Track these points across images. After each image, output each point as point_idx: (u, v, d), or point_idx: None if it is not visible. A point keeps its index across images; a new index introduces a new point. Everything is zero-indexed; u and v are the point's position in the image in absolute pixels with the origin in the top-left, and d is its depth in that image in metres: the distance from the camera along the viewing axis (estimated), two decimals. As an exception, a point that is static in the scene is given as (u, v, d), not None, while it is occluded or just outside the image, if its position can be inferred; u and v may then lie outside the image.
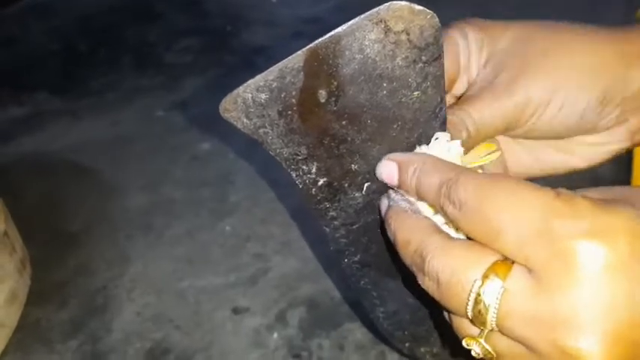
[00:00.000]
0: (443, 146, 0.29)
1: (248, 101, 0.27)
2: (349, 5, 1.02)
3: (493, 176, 0.25)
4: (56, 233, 0.60)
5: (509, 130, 0.32)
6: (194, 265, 0.55)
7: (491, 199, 0.23)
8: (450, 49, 0.32)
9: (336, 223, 0.31)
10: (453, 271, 0.24)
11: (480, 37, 0.33)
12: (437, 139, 0.29)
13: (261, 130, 0.27)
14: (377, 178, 0.30)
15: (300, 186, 0.29)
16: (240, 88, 0.26)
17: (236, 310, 0.51)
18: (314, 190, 0.30)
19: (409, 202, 0.28)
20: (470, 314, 0.24)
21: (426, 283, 0.25)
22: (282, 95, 0.27)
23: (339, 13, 1.00)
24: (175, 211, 0.62)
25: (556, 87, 0.31)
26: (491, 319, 0.23)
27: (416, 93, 0.27)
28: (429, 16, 0.25)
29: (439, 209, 0.26)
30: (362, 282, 0.34)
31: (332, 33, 0.25)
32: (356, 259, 0.33)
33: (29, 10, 1.05)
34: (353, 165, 0.29)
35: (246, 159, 0.67)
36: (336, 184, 0.30)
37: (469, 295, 0.23)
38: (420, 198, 0.27)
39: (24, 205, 0.59)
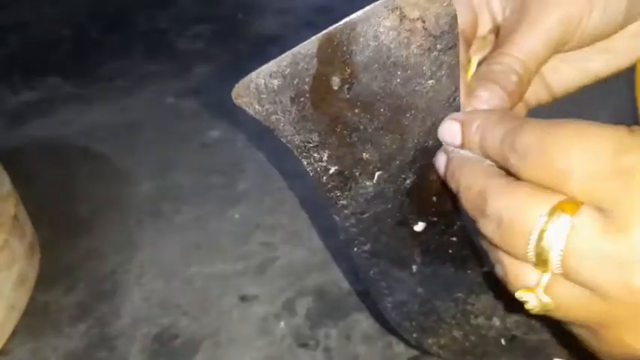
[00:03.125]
0: None
1: (260, 87, 0.26)
2: (361, -5, 1.02)
3: (558, 121, 0.23)
4: (65, 217, 0.60)
5: (556, 52, 0.31)
6: (202, 251, 0.55)
7: (558, 141, 0.22)
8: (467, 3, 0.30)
9: (346, 212, 0.31)
10: (518, 209, 0.23)
11: None
12: None
13: (273, 117, 0.27)
14: (388, 167, 0.29)
15: (311, 174, 0.29)
16: (253, 74, 0.26)
17: (244, 298, 0.51)
18: (325, 178, 0.29)
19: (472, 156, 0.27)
20: (532, 255, 0.23)
21: (486, 227, 0.24)
22: (295, 82, 0.26)
23: (350, 2, 1.00)
24: (184, 197, 0.62)
25: None
26: (556, 258, 0.22)
27: (430, 81, 0.27)
28: (445, 4, 0.25)
29: (503, 162, 0.25)
30: (371, 272, 0.33)
31: (347, 19, 0.25)
32: (365, 248, 0.32)
33: (40, -5, 1.05)
34: (364, 153, 0.29)
35: (256, 147, 0.67)
36: (347, 172, 0.29)
37: (532, 231, 0.22)
38: (485, 154, 0.26)
39: (34, 189, 0.59)
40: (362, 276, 0.34)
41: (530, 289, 0.23)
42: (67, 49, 0.91)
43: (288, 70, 0.26)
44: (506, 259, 0.24)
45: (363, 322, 0.47)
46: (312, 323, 0.48)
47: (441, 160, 0.28)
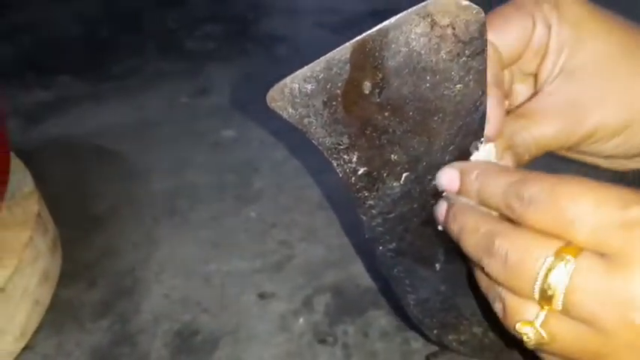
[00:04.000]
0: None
1: (295, 91, 0.27)
2: (370, -5, 1.02)
3: (562, 175, 0.25)
4: (83, 215, 0.61)
5: (561, 148, 0.32)
6: (220, 249, 0.56)
7: (565, 192, 0.24)
8: (521, 24, 0.31)
9: (373, 211, 0.32)
10: (525, 249, 0.25)
11: (566, 36, 0.30)
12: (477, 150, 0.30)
13: (305, 120, 0.28)
14: (415, 169, 0.30)
15: (340, 175, 0.30)
16: (288, 79, 0.27)
17: (262, 295, 0.52)
18: (353, 179, 0.30)
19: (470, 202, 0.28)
20: (537, 291, 0.24)
21: (492, 266, 0.26)
22: (328, 86, 0.27)
23: (358, 3, 1.01)
24: (200, 196, 0.63)
25: (630, 120, 0.30)
26: (559, 295, 0.24)
27: (458, 86, 0.28)
28: (474, 11, 0.26)
29: (503, 209, 0.26)
30: (395, 270, 0.34)
31: (380, 26, 0.26)
32: (391, 247, 0.33)
33: (52, -5, 1.06)
34: (393, 155, 0.30)
35: (270, 147, 0.68)
36: (375, 173, 0.30)
37: (539, 271, 0.24)
38: (482, 201, 0.28)
39: (51, 187, 0.60)
40: (386, 274, 0.35)
41: (529, 322, 0.25)
42: (79, 48, 0.92)
43: (322, 75, 0.27)
44: (508, 296, 0.26)
45: (381, 318, 0.48)
46: (331, 320, 0.49)
47: (442, 207, 0.30)
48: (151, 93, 0.80)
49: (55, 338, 0.48)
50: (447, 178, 0.30)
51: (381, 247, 0.33)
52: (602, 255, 0.23)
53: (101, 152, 0.70)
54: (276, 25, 0.95)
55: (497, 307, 0.27)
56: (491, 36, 0.30)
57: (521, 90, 0.33)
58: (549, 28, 0.30)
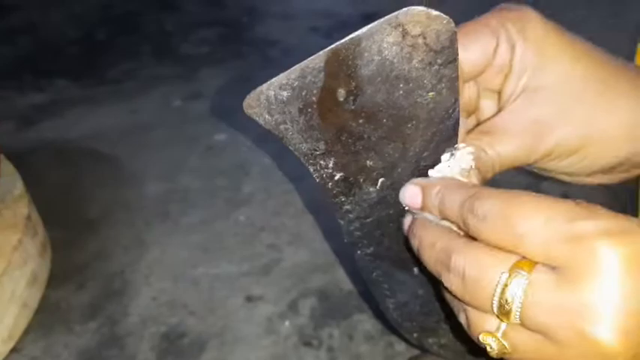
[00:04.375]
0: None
1: (270, 98, 0.28)
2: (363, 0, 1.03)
3: (514, 191, 0.26)
4: (75, 218, 0.62)
5: (524, 164, 0.33)
6: (209, 253, 0.57)
7: (515, 208, 0.25)
8: (484, 41, 0.31)
9: (350, 216, 0.32)
10: (480, 266, 0.25)
11: (529, 57, 0.31)
12: (451, 156, 0.30)
13: (281, 126, 0.29)
14: (391, 174, 0.31)
15: (317, 180, 0.31)
16: (264, 86, 0.28)
17: (249, 298, 0.52)
18: (330, 184, 0.31)
19: (432, 218, 0.29)
20: (495, 306, 0.25)
21: (451, 280, 0.27)
22: (303, 93, 0.28)
23: (351, 7, 1.02)
24: (191, 199, 0.63)
25: (590, 140, 0.31)
26: (516, 310, 0.24)
27: (431, 94, 0.28)
28: (445, 21, 0.26)
29: (461, 224, 0.27)
30: (374, 274, 0.35)
31: (352, 35, 0.26)
32: (369, 251, 0.34)
33: (49, -1, 1.07)
34: (368, 161, 0.30)
35: (261, 151, 0.69)
36: (351, 178, 0.31)
37: (496, 287, 0.25)
38: (443, 216, 0.29)
39: (43, 190, 0.61)
40: (365, 278, 0.35)
41: (491, 333, 0.26)
42: (75, 51, 0.93)
43: (297, 82, 0.27)
44: (469, 309, 0.27)
45: (366, 322, 0.49)
46: (316, 323, 0.49)
47: (406, 221, 0.31)
48: (146, 97, 0.81)
49: (42, 340, 0.49)
50: (409, 194, 0.30)
51: (359, 252, 0.34)
52: (553, 268, 0.24)
53: (95, 156, 0.71)
54: (271, 29, 0.95)
55: (462, 317, 0.28)
56: None
57: (488, 105, 0.34)
58: (513, 47, 0.31)
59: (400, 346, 0.46)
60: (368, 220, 0.32)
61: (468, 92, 0.33)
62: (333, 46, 0.27)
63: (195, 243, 0.58)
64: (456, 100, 0.29)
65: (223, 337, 0.49)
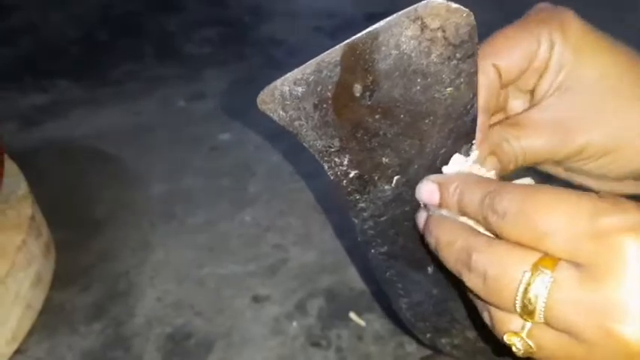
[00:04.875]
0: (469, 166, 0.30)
1: (285, 94, 0.27)
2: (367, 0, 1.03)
3: (535, 186, 0.26)
4: (79, 219, 0.61)
5: (551, 162, 0.33)
6: (214, 253, 0.56)
7: (536, 205, 0.24)
8: (526, 44, 0.31)
9: (364, 214, 0.32)
10: (501, 265, 0.25)
11: (567, 56, 0.31)
12: (467, 157, 0.30)
13: (296, 123, 0.28)
14: (406, 172, 0.30)
15: (332, 177, 0.30)
16: (278, 81, 0.27)
17: (256, 299, 0.51)
18: (345, 181, 0.30)
19: (448, 214, 0.29)
20: (518, 306, 0.25)
21: (472, 280, 0.26)
22: (319, 89, 0.27)
23: (355, 7, 1.01)
24: (196, 200, 0.63)
25: (623, 141, 0.31)
26: (540, 308, 0.24)
27: (449, 89, 0.28)
28: (464, 14, 0.26)
29: (481, 221, 0.27)
30: (388, 273, 0.34)
31: (370, 29, 0.26)
32: (383, 250, 0.33)
33: (51, -1, 1.07)
34: (384, 158, 0.30)
35: (266, 151, 0.68)
36: (366, 176, 0.30)
37: (518, 286, 0.24)
38: (462, 213, 0.28)
39: (47, 190, 0.60)
40: (378, 277, 0.35)
41: (516, 333, 0.26)
42: (77, 52, 0.92)
43: (312, 77, 0.27)
44: (492, 308, 0.27)
45: (375, 322, 0.48)
46: (324, 323, 0.49)
47: (421, 218, 0.31)
48: (149, 97, 0.80)
49: (46, 342, 0.48)
50: (427, 191, 0.30)
51: (372, 251, 0.33)
52: (577, 265, 0.24)
53: (98, 156, 0.70)
54: (274, 29, 0.95)
55: (485, 317, 0.28)
56: (494, 56, 0.31)
57: (516, 106, 0.34)
58: (552, 47, 0.31)
59: (411, 347, 0.46)
60: (382, 218, 0.32)
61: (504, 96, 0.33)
62: (349, 40, 0.26)
63: (201, 243, 0.58)
64: (474, 95, 0.29)
65: (230, 338, 0.48)
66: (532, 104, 0.33)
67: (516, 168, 0.31)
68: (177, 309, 0.51)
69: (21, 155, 0.59)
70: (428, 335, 0.38)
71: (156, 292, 0.53)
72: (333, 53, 0.27)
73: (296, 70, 0.27)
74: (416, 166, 0.30)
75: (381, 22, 0.26)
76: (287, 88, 0.27)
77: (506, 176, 0.32)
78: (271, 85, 0.27)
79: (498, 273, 0.25)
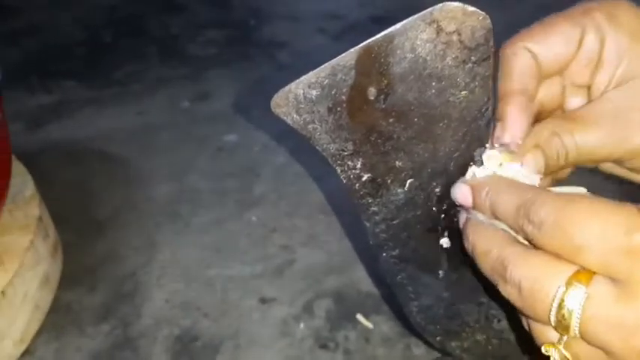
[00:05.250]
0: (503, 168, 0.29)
1: (299, 97, 0.27)
2: (371, 2, 1.03)
3: (571, 196, 0.25)
4: (85, 219, 0.61)
5: (607, 161, 0.31)
6: (221, 254, 0.56)
7: (572, 217, 0.24)
8: (567, 34, 0.29)
9: (377, 218, 0.32)
10: (536, 279, 0.25)
11: (624, 46, 0.29)
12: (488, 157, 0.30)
13: (310, 126, 0.28)
14: (420, 175, 0.30)
15: (345, 181, 0.30)
16: (292, 85, 0.27)
17: (263, 300, 0.51)
18: (357, 185, 0.30)
19: (484, 218, 0.28)
20: (553, 320, 0.25)
21: (508, 291, 0.26)
22: (333, 92, 0.27)
23: (359, 9, 1.01)
24: (202, 200, 0.63)
25: None
26: (574, 324, 0.24)
27: (464, 92, 0.28)
28: (480, 17, 0.26)
29: (518, 229, 0.27)
30: (399, 276, 0.34)
31: (385, 32, 0.26)
32: (394, 253, 0.33)
33: (55, 1, 1.07)
34: (397, 162, 0.30)
35: (271, 151, 0.68)
36: (379, 179, 0.30)
37: (553, 301, 0.24)
38: (496, 217, 0.28)
39: (53, 191, 0.60)
40: (389, 281, 0.35)
41: (553, 344, 0.26)
42: (82, 53, 0.93)
43: (327, 80, 0.27)
44: (530, 319, 0.27)
45: (382, 324, 0.48)
46: (332, 325, 0.49)
47: (462, 218, 0.30)
48: (153, 98, 0.80)
49: (55, 343, 0.48)
50: (461, 193, 0.29)
51: (384, 254, 0.33)
52: (613, 281, 0.23)
53: (103, 157, 0.70)
54: (278, 30, 0.95)
55: (525, 324, 0.28)
56: (531, 45, 0.30)
57: (575, 102, 0.32)
58: (603, 37, 0.29)
59: (418, 349, 0.46)
60: (394, 222, 0.32)
61: (550, 89, 0.31)
62: (365, 43, 0.26)
63: (207, 244, 0.58)
64: (489, 98, 0.29)
65: (237, 340, 0.48)
66: (590, 100, 0.31)
67: (567, 166, 0.30)
68: (185, 310, 0.51)
69: (26, 156, 0.59)
70: (438, 338, 0.38)
71: (163, 293, 0.53)
72: (348, 56, 0.26)
73: (310, 74, 0.27)
74: (429, 170, 0.30)
75: (397, 25, 0.26)
76: (301, 92, 0.27)
77: (562, 181, 0.31)
78: (285, 89, 0.27)
79: (533, 287, 0.25)
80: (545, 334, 0.26)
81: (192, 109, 0.78)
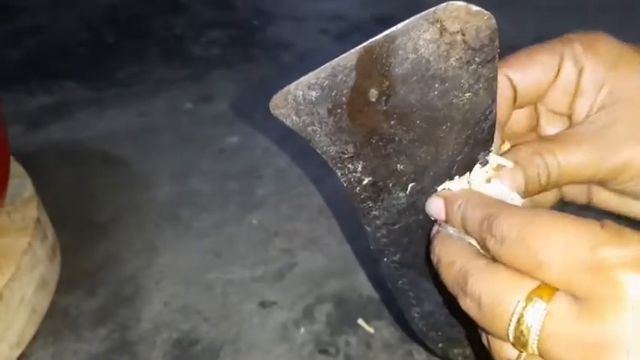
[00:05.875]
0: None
1: (299, 98, 0.27)
2: (374, 2, 1.02)
3: (535, 211, 0.25)
4: (84, 222, 0.60)
5: (591, 183, 0.31)
6: (221, 257, 0.56)
7: (534, 232, 0.24)
8: (546, 62, 0.30)
9: (377, 222, 0.31)
10: (496, 293, 0.24)
11: (602, 74, 0.30)
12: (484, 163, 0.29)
13: (309, 128, 0.28)
14: (422, 179, 0.30)
15: (345, 184, 0.29)
16: (292, 86, 0.26)
17: (263, 304, 0.51)
18: (358, 188, 0.30)
19: (457, 232, 0.28)
20: (511, 336, 0.24)
21: (467, 305, 0.26)
22: (333, 93, 0.27)
23: (362, 9, 1.01)
24: (203, 203, 0.62)
25: None
26: (532, 341, 0.23)
27: (467, 94, 0.27)
28: (485, 17, 0.25)
29: (481, 244, 0.26)
30: (400, 282, 0.34)
31: (387, 32, 0.25)
32: (395, 258, 0.33)
33: (57, 0, 1.06)
34: (399, 165, 0.29)
35: (273, 154, 0.67)
36: (380, 183, 0.30)
37: (512, 316, 0.24)
38: (465, 231, 0.28)
39: (52, 192, 0.60)
40: (390, 286, 0.34)
41: None
42: (84, 53, 0.92)
43: (327, 82, 0.26)
44: (489, 335, 0.26)
45: (383, 329, 0.48)
46: (332, 330, 0.48)
47: (433, 230, 0.30)
48: (155, 99, 0.80)
49: (51, 347, 0.48)
50: (435, 207, 0.29)
51: (385, 259, 0.33)
52: (575, 298, 0.23)
53: (104, 158, 0.70)
54: (281, 31, 0.94)
55: (484, 339, 0.27)
56: (510, 72, 0.30)
57: (552, 130, 0.32)
58: (581, 66, 0.30)
59: (420, 355, 0.45)
60: (396, 226, 0.31)
61: (521, 114, 0.32)
62: (366, 43, 0.26)
63: (208, 247, 0.57)
64: (493, 101, 0.28)
65: (237, 344, 0.48)
66: (574, 120, 0.31)
67: (546, 186, 0.30)
68: (184, 314, 0.50)
69: (26, 157, 0.58)
70: (440, 345, 0.37)
71: (162, 296, 0.52)
72: (349, 57, 0.26)
73: (310, 74, 0.26)
74: (431, 174, 0.30)
75: (399, 25, 0.25)
76: (301, 93, 0.27)
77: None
78: (284, 90, 0.27)
79: (493, 301, 0.24)
80: (504, 351, 0.25)
81: (194, 110, 0.77)
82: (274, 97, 0.27)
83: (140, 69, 0.87)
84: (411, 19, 0.25)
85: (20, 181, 0.53)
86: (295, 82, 0.26)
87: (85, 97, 0.81)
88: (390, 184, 0.30)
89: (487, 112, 0.28)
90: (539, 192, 0.30)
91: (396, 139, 0.28)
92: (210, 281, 0.53)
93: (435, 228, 0.30)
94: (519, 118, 0.33)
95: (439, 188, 0.30)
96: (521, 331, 0.23)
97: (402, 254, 0.32)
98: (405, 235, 0.32)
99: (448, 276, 0.27)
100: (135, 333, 0.49)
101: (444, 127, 0.28)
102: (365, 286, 0.51)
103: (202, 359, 0.47)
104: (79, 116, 0.77)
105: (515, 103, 0.31)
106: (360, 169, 0.29)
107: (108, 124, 0.75)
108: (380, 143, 0.28)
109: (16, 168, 0.54)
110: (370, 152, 0.28)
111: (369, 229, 0.31)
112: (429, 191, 0.30)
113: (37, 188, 0.55)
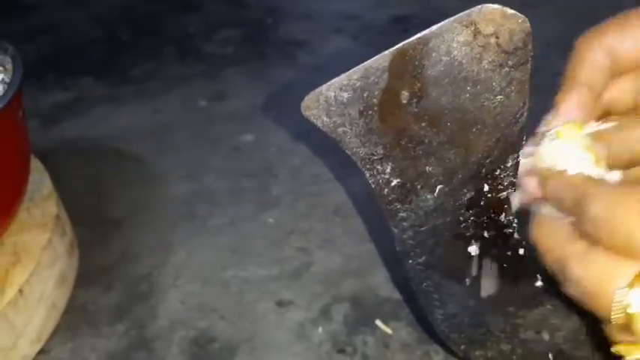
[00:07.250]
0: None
1: (330, 100, 0.27)
2: (389, 2, 1.02)
3: (626, 189, 0.24)
4: (99, 218, 0.61)
5: None
6: (237, 255, 0.56)
7: (624, 209, 0.23)
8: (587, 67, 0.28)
9: (404, 224, 0.31)
10: (596, 280, 0.24)
11: None
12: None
13: (340, 129, 0.28)
14: (450, 181, 0.30)
15: (373, 186, 0.30)
16: (324, 87, 0.27)
17: (280, 303, 0.51)
18: (386, 190, 0.30)
19: (552, 211, 0.27)
20: (620, 323, 0.24)
21: (571, 290, 0.25)
22: (365, 95, 0.27)
23: (378, 9, 1.00)
24: (218, 201, 0.62)
25: None
26: (638, 327, 0.23)
27: (499, 97, 0.27)
28: (520, 20, 0.25)
29: (578, 227, 0.25)
30: (424, 284, 0.34)
31: (421, 34, 0.25)
32: (421, 260, 0.33)
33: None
34: (428, 167, 0.29)
35: (288, 153, 0.67)
36: (409, 185, 0.30)
37: (614, 304, 0.23)
38: (562, 211, 0.27)
39: (68, 189, 0.60)
40: (414, 288, 0.34)
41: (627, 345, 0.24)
42: (98, 51, 0.92)
43: (359, 83, 0.26)
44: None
45: (401, 330, 0.48)
46: (350, 330, 0.48)
47: (533, 184, 0.29)
48: (169, 97, 0.80)
49: (70, 342, 0.48)
50: (532, 185, 0.28)
51: (410, 261, 0.33)
52: None
53: (119, 155, 0.70)
54: (295, 30, 0.94)
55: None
56: (606, 39, 0.28)
57: None
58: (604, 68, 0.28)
59: (438, 356, 0.45)
60: (423, 228, 0.31)
61: (623, 89, 0.30)
62: (399, 45, 0.26)
63: (223, 245, 0.57)
64: (525, 104, 0.28)
65: (254, 343, 0.48)
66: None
67: (635, 164, 0.28)
68: (201, 312, 0.50)
69: (42, 153, 0.58)
70: (462, 347, 0.37)
71: (179, 294, 0.52)
72: (381, 59, 0.26)
73: (342, 76, 0.26)
74: (460, 176, 0.30)
75: (432, 28, 0.25)
76: (332, 94, 0.27)
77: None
78: (316, 91, 0.27)
79: (594, 289, 0.24)
80: (617, 333, 0.25)
81: (208, 108, 0.77)
82: (306, 98, 0.27)
83: (154, 66, 0.87)
84: (445, 21, 0.25)
85: (39, 178, 0.54)
86: (327, 83, 0.27)
87: (99, 94, 0.81)
88: (419, 186, 0.30)
89: (518, 116, 0.28)
90: (625, 168, 0.28)
91: (426, 141, 0.28)
92: (226, 279, 0.53)
93: (534, 209, 0.29)
94: (620, 94, 0.30)
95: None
96: (627, 318, 0.23)
97: (428, 256, 0.33)
98: (431, 237, 0.32)
99: (549, 261, 0.27)
100: (152, 330, 0.49)
101: (475, 130, 0.28)
102: (382, 287, 0.51)
103: (219, 357, 0.47)
104: (94, 113, 0.77)
105: (614, 72, 0.29)
106: (388, 170, 0.29)
107: (122, 121, 0.76)
108: (409, 145, 0.28)
109: (35, 164, 0.54)
110: (399, 154, 0.29)
111: (395, 230, 0.31)
112: (456, 193, 0.30)
113: (52, 184, 0.55)
